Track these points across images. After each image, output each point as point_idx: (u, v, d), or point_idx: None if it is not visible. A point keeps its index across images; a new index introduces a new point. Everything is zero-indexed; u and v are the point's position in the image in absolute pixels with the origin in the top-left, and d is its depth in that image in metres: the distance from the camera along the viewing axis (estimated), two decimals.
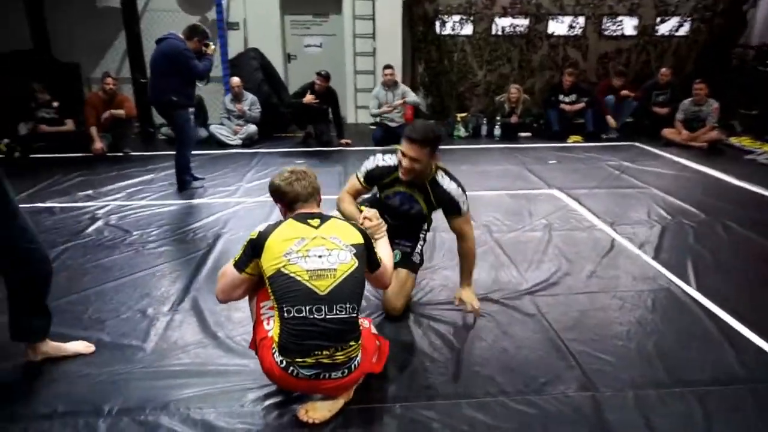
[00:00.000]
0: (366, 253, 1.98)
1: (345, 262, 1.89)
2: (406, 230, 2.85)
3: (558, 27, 8.10)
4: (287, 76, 8.19)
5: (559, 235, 3.76)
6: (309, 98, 6.39)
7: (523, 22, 7.97)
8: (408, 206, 2.69)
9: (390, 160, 2.60)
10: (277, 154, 6.27)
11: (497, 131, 7.05)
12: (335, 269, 1.86)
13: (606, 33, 8.19)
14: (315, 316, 1.80)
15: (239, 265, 1.92)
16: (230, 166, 5.67)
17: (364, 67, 8.00)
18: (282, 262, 1.84)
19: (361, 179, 2.67)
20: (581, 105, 7.11)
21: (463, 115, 7.29)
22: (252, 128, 6.71)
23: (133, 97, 6.94)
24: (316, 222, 1.94)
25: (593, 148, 6.50)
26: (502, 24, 7.95)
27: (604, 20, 8.09)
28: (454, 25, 7.88)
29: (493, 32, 7.97)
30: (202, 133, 6.71)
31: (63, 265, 3.21)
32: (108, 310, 2.73)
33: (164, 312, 2.71)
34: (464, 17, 7.86)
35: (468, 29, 7.98)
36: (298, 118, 6.88)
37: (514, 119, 7.08)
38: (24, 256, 2.08)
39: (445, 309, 2.76)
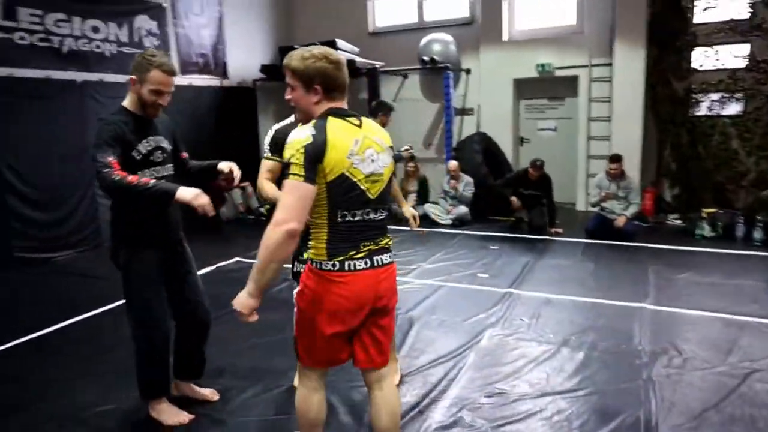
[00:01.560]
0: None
1: (387, 165, 1.86)
2: None
3: None
4: (518, 159, 8.14)
5: (759, 387, 2.73)
6: (515, 204, 6.39)
7: None
8: None
9: (286, 120, 2.57)
10: (477, 237, 6.23)
11: (758, 234, 5.56)
12: (382, 173, 1.83)
13: None
14: (364, 218, 1.79)
15: (310, 176, 1.66)
16: (427, 245, 5.88)
17: (598, 152, 7.38)
18: (346, 164, 1.71)
19: (269, 154, 2.50)
20: None
21: (711, 210, 6.00)
22: (463, 209, 6.85)
23: None
24: (356, 121, 1.81)
25: None
26: None
27: None
28: (712, 105, 6.66)
29: None
30: (419, 210, 7.17)
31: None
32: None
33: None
34: (726, 95, 6.59)
35: (732, 108, 6.64)
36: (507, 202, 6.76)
37: None
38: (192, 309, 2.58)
39: None
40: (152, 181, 2.17)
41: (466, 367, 3.05)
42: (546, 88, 7.89)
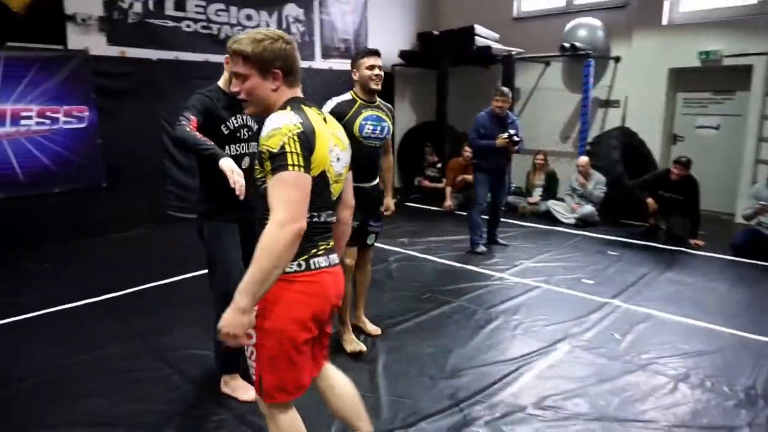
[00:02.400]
0: None
1: (346, 166, 1.75)
2: (369, 170, 2.97)
3: None
4: (668, 159, 7.25)
5: None
6: (652, 206, 5.70)
7: None
8: (380, 128, 2.95)
9: (343, 96, 2.95)
10: (598, 240, 5.74)
11: None
12: (342, 173, 1.72)
13: None
14: (326, 220, 1.68)
15: (308, 166, 1.51)
16: (539, 242, 5.60)
17: None
18: (327, 160, 1.59)
19: None
20: None
21: None
22: (588, 209, 6.34)
23: None
24: (320, 114, 1.67)
25: None
26: None
27: None
28: None
29: None
30: (542, 206, 6.81)
31: None
32: None
33: None
34: None
35: None
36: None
37: None
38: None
39: None
40: (210, 143, 2.23)
41: (527, 373, 2.90)
42: (710, 79, 6.87)
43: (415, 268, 4.69)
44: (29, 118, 5.06)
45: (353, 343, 3.10)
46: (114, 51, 5.54)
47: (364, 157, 2.90)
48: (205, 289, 2.71)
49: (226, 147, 2.47)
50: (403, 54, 8.29)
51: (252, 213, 2.52)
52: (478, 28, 7.51)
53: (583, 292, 4.12)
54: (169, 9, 5.87)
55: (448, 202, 7.02)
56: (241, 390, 2.61)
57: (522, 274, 4.57)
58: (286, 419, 1.69)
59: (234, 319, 1.45)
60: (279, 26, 6.89)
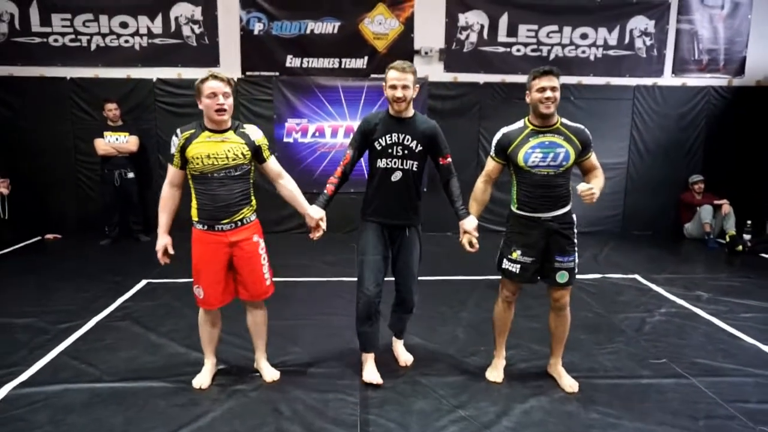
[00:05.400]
0: None
1: None
2: (551, 202, 2.73)
3: None
4: None
5: None
6: None
7: None
8: (552, 155, 2.68)
9: (515, 125, 2.80)
10: None
11: None
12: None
13: None
14: None
15: None
16: None
17: None
18: None
19: (493, 155, 2.85)
20: None
21: None
22: None
23: None
24: None
25: None
26: None
27: None
28: None
29: None
30: None
31: None
32: None
33: None
34: None
35: None
36: None
37: None
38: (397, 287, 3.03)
39: None
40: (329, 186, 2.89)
41: None
42: None
43: (680, 329, 3.79)
44: None
45: (493, 373, 3.06)
46: (448, 77, 6.44)
47: (539, 188, 2.72)
48: None
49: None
50: None
51: (395, 219, 2.87)
52: None
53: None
54: (502, 36, 6.37)
55: None
56: (366, 371, 2.95)
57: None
58: None
59: None
60: (621, 42, 6.44)
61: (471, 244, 2.80)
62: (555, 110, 2.68)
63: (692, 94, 6.59)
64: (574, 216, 2.84)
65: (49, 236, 6.16)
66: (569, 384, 2.94)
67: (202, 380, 2.90)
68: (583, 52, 6.47)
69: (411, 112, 2.85)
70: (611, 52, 6.48)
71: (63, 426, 2.52)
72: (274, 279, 2.95)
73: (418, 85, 2.81)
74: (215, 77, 2.58)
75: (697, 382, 3.01)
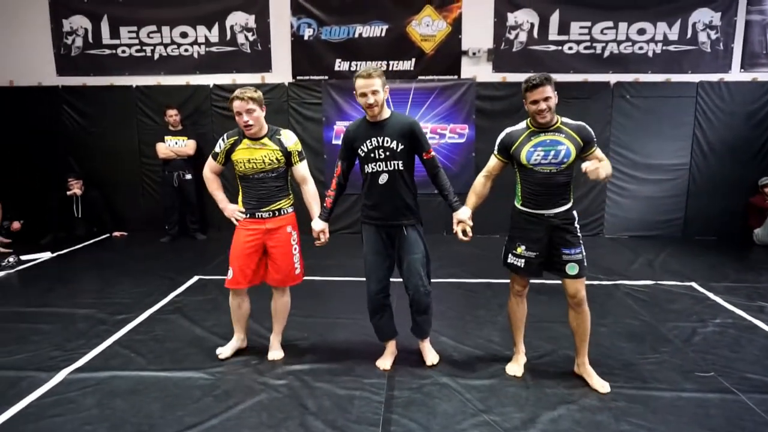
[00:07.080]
0: None
1: None
2: (554, 199, 2.78)
3: None
4: None
5: None
6: None
7: None
8: (553, 152, 2.70)
9: (518, 125, 2.82)
10: None
11: None
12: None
13: None
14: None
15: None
16: None
17: None
18: None
19: (496, 153, 2.91)
20: None
21: None
22: None
23: None
24: None
25: None
26: None
27: None
28: None
29: None
30: None
31: None
32: None
33: None
34: None
35: None
36: None
37: None
38: (406, 284, 3.07)
39: None
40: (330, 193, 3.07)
41: None
42: None
43: (735, 341, 3.55)
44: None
45: (512, 367, 3.11)
46: (497, 77, 6.34)
47: (541, 186, 2.77)
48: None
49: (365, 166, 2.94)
50: None
51: (392, 220, 2.95)
52: None
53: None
54: (553, 34, 6.20)
55: None
56: (382, 357, 3.19)
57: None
58: None
59: None
60: (682, 36, 6.11)
61: (465, 232, 2.89)
62: (552, 116, 2.72)
63: (764, 90, 6.15)
64: (575, 213, 2.88)
65: (117, 234, 6.61)
66: (600, 384, 2.89)
67: (224, 350, 3.30)
68: (641, 48, 6.19)
69: (387, 113, 2.92)
70: (672, 48, 6.16)
71: (107, 410, 2.72)
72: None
73: (387, 87, 2.89)
74: (237, 97, 2.88)
75: (745, 399, 2.82)
